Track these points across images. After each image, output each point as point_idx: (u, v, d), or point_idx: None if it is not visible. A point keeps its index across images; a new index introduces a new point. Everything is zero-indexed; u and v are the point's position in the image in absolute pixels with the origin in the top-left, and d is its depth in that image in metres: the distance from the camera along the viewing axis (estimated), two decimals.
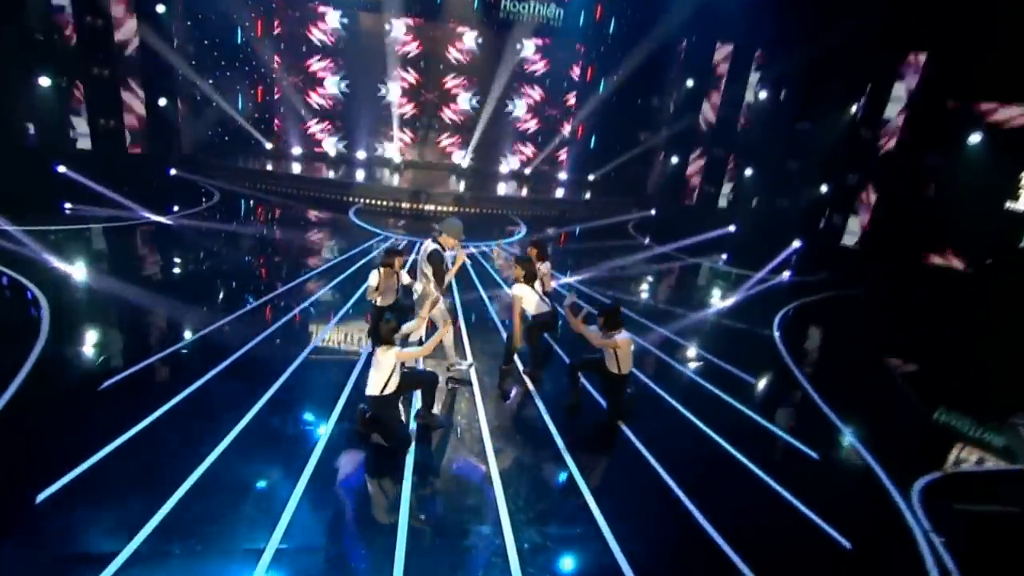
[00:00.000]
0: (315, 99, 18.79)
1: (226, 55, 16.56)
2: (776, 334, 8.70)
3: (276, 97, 18.28)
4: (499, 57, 19.09)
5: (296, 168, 17.20)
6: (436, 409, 5.12)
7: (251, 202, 13.97)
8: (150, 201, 11.62)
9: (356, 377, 5.65)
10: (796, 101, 14.36)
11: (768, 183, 15.26)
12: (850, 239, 13.25)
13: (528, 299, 5.78)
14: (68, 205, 10.82)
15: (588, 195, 19.36)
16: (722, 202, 16.74)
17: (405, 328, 4.88)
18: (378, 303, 5.99)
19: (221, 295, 7.88)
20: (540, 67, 20.28)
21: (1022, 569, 4.36)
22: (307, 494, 4.02)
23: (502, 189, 18.68)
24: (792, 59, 13.55)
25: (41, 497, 3.70)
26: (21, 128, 11.24)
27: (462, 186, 17.84)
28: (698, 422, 5.66)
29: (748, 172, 15.72)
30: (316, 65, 18.43)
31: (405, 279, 6.12)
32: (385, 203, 15.31)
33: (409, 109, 19.72)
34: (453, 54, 19.46)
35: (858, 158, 12.86)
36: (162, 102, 13.39)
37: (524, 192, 18.72)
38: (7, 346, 5.59)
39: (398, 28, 18.57)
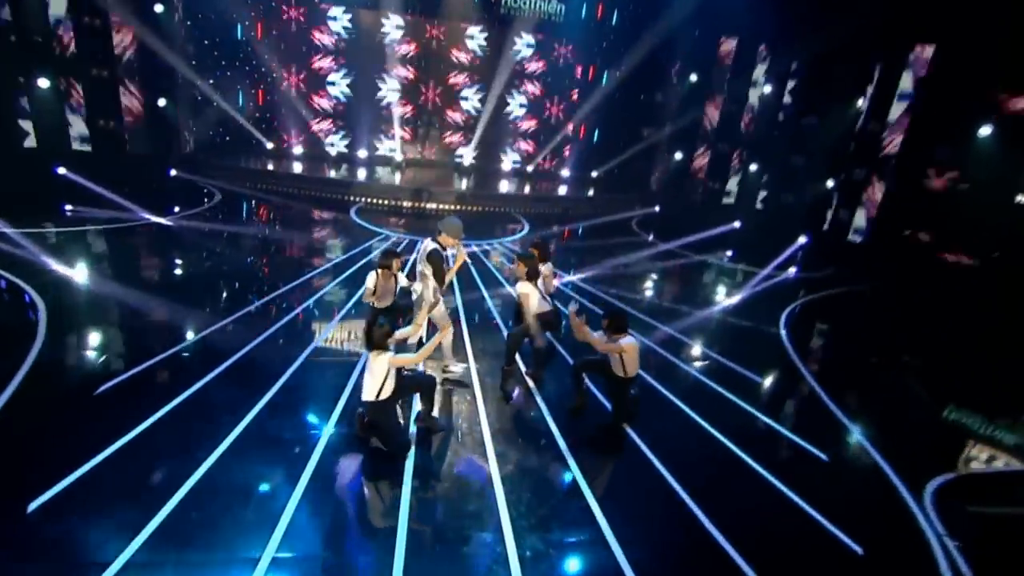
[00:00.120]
0: (316, 98, 18.69)
1: (227, 55, 16.49)
2: (783, 332, 8.56)
3: (277, 97, 18.18)
4: (500, 54, 18.96)
5: (297, 167, 17.13)
6: (436, 412, 5.03)
7: (252, 202, 13.91)
8: (150, 202, 11.57)
9: (356, 379, 5.56)
10: (801, 95, 14.19)
11: (773, 178, 15.11)
12: (856, 235, 13.05)
13: (532, 296, 5.69)
14: (68, 207, 10.78)
15: (591, 192, 19.23)
16: (726, 198, 16.58)
17: (399, 334, 4.75)
18: (375, 305, 5.91)
19: (220, 297, 7.80)
20: (541, 64, 20.13)
21: None
22: (305, 500, 3.94)
23: (504, 187, 18.55)
24: (797, 52, 13.39)
25: (32, 506, 3.62)
26: (20, 130, 11.19)
27: (464, 184, 17.73)
28: (704, 423, 5.55)
29: (753, 168, 15.56)
30: (317, 64, 18.34)
31: (403, 281, 6.03)
32: (386, 202, 15.23)
33: (409, 108, 19.62)
34: (453, 52, 19.33)
35: (865, 152, 12.67)
36: (161, 102, 13.31)
37: (527, 190, 18.60)
38: (3, 350, 5.53)
39: (399, 27, 18.46)
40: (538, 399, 5.71)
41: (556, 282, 7.02)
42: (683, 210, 16.68)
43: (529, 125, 20.81)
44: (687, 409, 5.79)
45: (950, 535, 4.35)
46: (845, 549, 4.07)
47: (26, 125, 11.38)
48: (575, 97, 20.53)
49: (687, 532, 4.09)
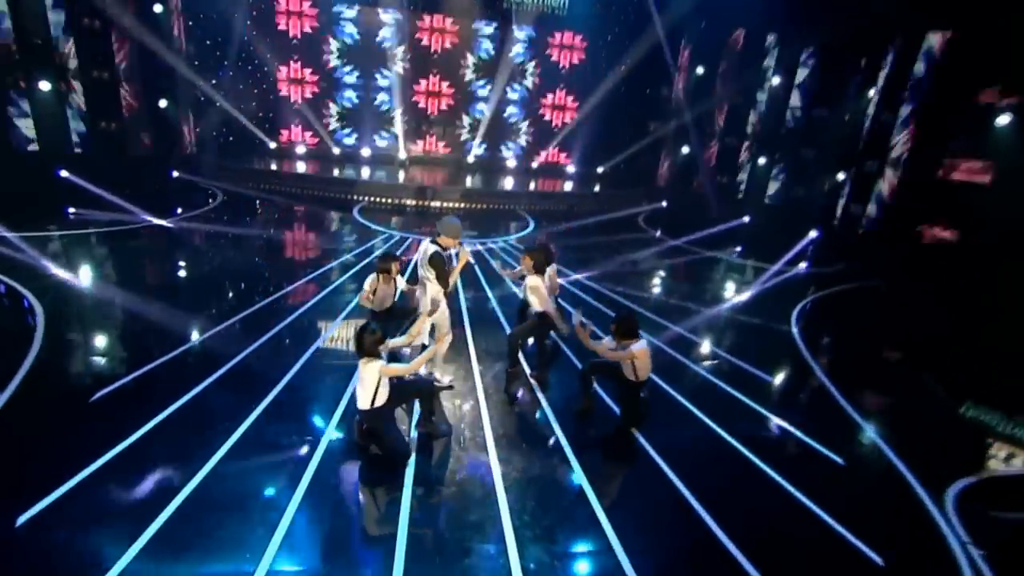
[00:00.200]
0: (319, 98, 18.60)
1: (229, 54, 16.42)
2: (794, 329, 8.35)
3: (280, 96, 18.11)
4: (503, 50, 18.78)
5: (301, 167, 17.06)
6: (437, 416, 4.89)
7: (254, 203, 13.82)
8: (152, 204, 11.52)
9: (356, 383, 5.43)
10: (812, 86, 13.89)
11: (783, 172, 14.83)
12: (869, 228, 12.74)
13: (541, 288, 5.55)
14: (71, 210, 10.75)
15: (597, 188, 19.02)
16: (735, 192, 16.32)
17: (393, 343, 4.59)
18: (373, 309, 5.77)
19: (220, 300, 7.70)
20: (547, 58, 19.93)
21: None
22: (303, 510, 3.83)
23: (509, 184, 18.38)
24: (807, 42, 13.09)
25: (22, 519, 3.53)
26: (21, 132, 11.17)
27: (468, 181, 17.58)
28: (714, 425, 5.38)
29: (762, 161, 15.28)
30: (320, 63, 18.23)
31: (402, 284, 5.90)
32: (390, 201, 15.11)
33: (416, 106, 19.49)
34: (456, 47, 19.16)
35: (877, 144, 12.35)
36: (163, 103, 13.26)
37: (532, 186, 18.41)
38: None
39: (402, 25, 18.32)
40: (543, 402, 5.56)
41: (560, 281, 6.86)
42: (691, 205, 16.41)
43: (534, 120, 20.61)
44: (696, 411, 5.62)
45: (974, 543, 4.17)
46: (864, 558, 3.90)
47: (28, 127, 11.33)
48: (579, 92, 20.30)
49: (697, 541, 3.93)
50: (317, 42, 17.99)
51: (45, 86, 11.21)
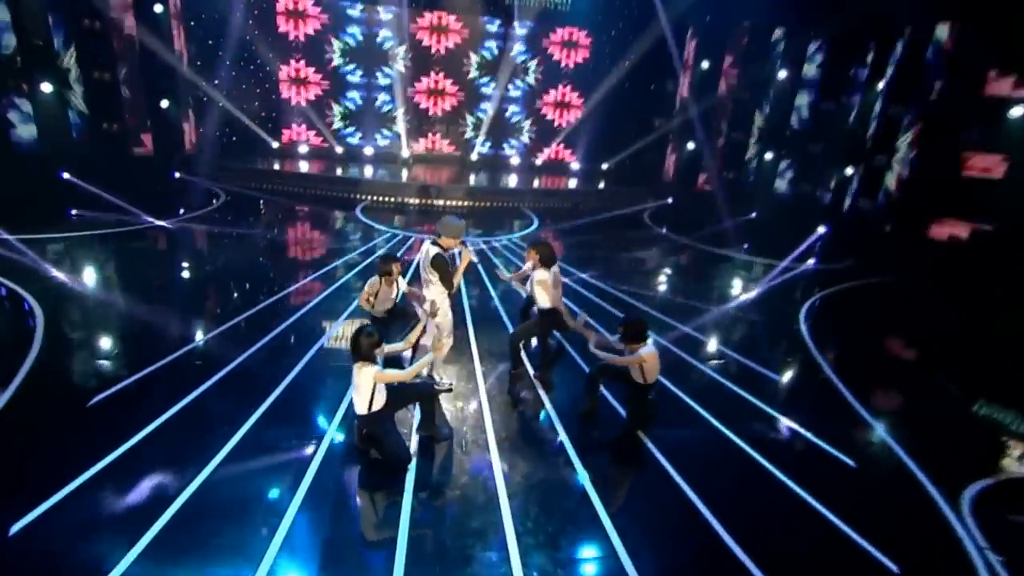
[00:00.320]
0: (322, 97, 18.53)
1: (230, 54, 16.37)
2: (803, 327, 8.20)
3: (282, 96, 18.06)
4: (505, 47, 18.64)
5: (304, 166, 17.01)
6: (439, 419, 4.80)
7: (256, 203, 13.78)
8: (154, 205, 11.49)
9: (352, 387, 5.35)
10: (819, 81, 13.68)
11: (790, 167, 14.63)
12: (879, 223, 12.51)
13: (549, 282, 5.46)
14: (74, 211, 10.73)
15: (602, 185, 18.85)
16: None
17: (390, 348, 4.47)
18: (374, 311, 5.69)
19: (221, 301, 7.65)
20: (550, 56, 19.77)
21: None
22: (301, 516, 3.75)
23: (513, 181, 18.25)
24: (815, 34, 12.88)
25: (18, 525, 3.47)
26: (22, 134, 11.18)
27: (472, 180, 17.47)
28: (721, 427, 5.26)
29: (769, 156, 15.08)
30: (323, 62, 18.16)
31: (404, 286, 5.81)
32: (394, 199, 15.03)
33: (418, 105, 19.39)
34: (459, 45, 19.04)
35: (886, 138, 12.13)
36: (164, 104, 13.22)
37: (536, 184, 18.27)
38: None
39: (403, 23, 18.21)
40: (547, 403, 5.46)
41: (564, 279, 6.77)
42: (696, 202, 16.22)
43: (539, 118, 20.46)
44: (703, 412, 5.50)
45: (991, 547, 4.04)
46: (877, 564, 3.78)
47: (29, 129, 11.32)
48: (583, 89, 20.14)
49: (705, 546, 3.83)
50: (319, 41, 17.91)
51: (47, 88, 11.19)
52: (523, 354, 5.95)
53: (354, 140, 19.12)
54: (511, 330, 6.99)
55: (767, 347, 7.48)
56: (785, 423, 5.50)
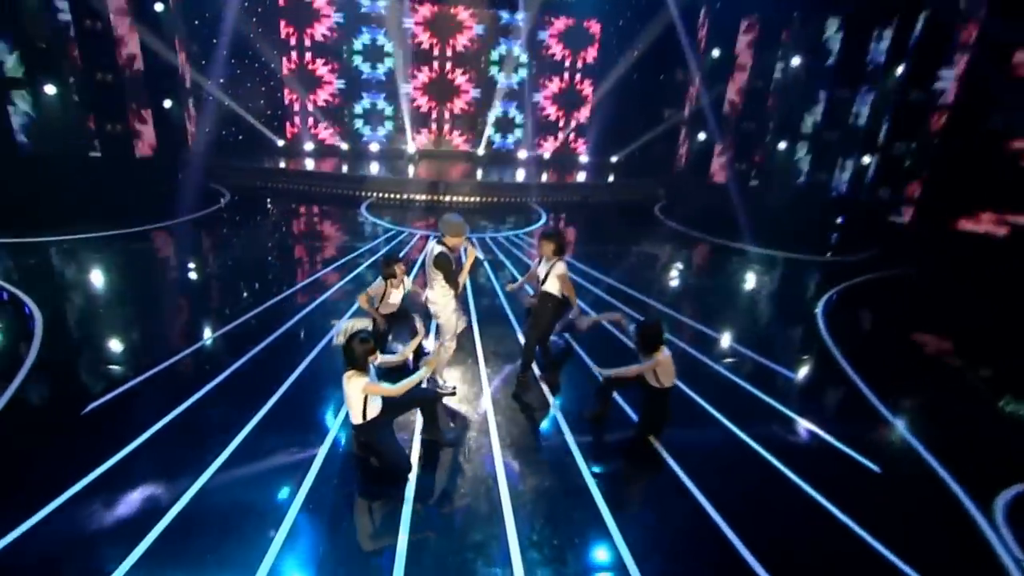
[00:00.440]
0: (328, 94, 18.40)
1: (235, 53, 16.27)
2: (820, 322, 7.91)
3: (287, 94, 17.95)
4: (509, 39, 18.38)
5: (309, 164, 16.91)
6: (441, 423, 4.63)
7: (261, 203, 13.69)
8: (157, 206, 11.42)
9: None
10: (834, 65, 13.25)
11: (806, 156, 14.23)
12: (898, 214, 12.10)
13: (565, 279, 5.27)
14: (82, 214, 10.68)
15: (611, 178, 18.54)
16: (752, 179, 15.71)
17: (385, 359, 4.27)
18: (378, 311, 5.52)
19: (224, 303, 7.54)
20: (556, 51, 19.48)
21: None
22: (296, 526, 3.61)
23: (520, 176, 18.01)
24: (831, 14, 12.43)
25: (8, 539, 3.37)
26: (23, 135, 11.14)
27: (479, 174, 17.26)
28: (736, 429, 5.03)
29: (782, 146, 14.67)
30: (328, 58, 18.03)
31: (409, 285, 5.64)
32: (401, 196, 14.87)
33: (424, 103, 19.20)
34: (463, 42, 18.80)
35: (907, 124, 11.68)
36: (167, 104, 13.13)
37: (544, 178, 18.01)
38: None
39: (408, 20, 18.01)
40: (554, 407, 5.26)
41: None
42: (708, 193, 15.85)
43: (547, 113, 20.18)
44: (716, 414, 5.27)
45: None
46: None
47: (32, 131, 11.29)
48: (591, 80, 19.81)
49: (719, 559, 3.62)
50: (323, 37, 17.76)
51: (50, 90, 11.15)
52: (532, 360, 5.74)
53: (360, 137, 18.98)
54: (518, 330, 6.82)
55: (782, 343, 7.21)
56: (803, 425, 5.25)
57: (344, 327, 5.28)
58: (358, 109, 18.69)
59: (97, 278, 7.97)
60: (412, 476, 4.11)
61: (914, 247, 11.22)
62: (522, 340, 6.21)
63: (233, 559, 3.35)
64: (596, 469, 4.39)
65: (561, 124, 20.38)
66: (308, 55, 17.80)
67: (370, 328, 5.34)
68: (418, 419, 4.74)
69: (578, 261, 9.67)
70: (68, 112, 11.56)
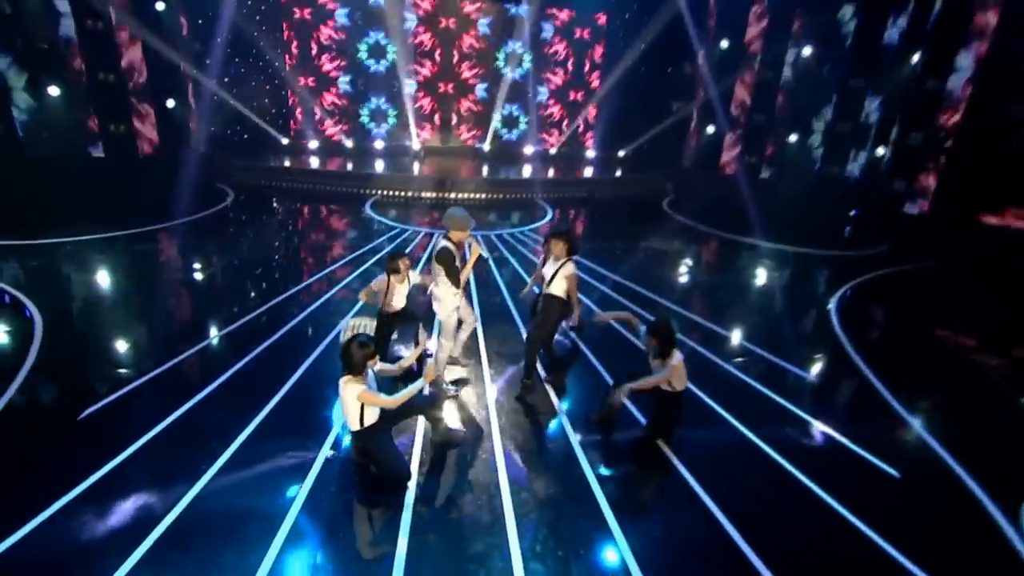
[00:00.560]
0: (332, 91, 18.32)
1: (239, 52, 16.22)
2: (834, 319, 7.69)
3: (291, 91, 17.89)
4: (514, 34, 18.20)
5: (314, 163, 16.84)
6: (446, 423, 4.50)
7: (264, 202, 13.63)
8: (160, 206, 11.37)
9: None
10: (847, 54, 12.93)
11: (818, 147, 13.92)
12: (914, 204, 11.76)
13: (574, 281, 5.12)
14: (84, 215, 10.67)
15: (619, 172, 18.31)
16: (764, 172, 15.41)
17: (382, 367, 4.13)
18: (383, 309, 5.39)
19: (225, 303, 7.44)
20: (560, 47, 19.28)
21: None
22: (293, 535, 3.50)
23: (527, 171, 17.84)
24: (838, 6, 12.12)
25: (8, 542, 3.30)
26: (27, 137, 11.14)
27: (484, 171, 17.10)
28: (748, 432, 4.85)
29: (794, 138, 14.37)
30: (330, 62, 17.94)
31: (416, 278, 5.51)
32: (407, 194, 14.76)
33: (427, 102, 19.08)
34: (467, 40, 18.64)
35: (924, 113, 11.35)
36: (170, 103, 13.09)
37: (551, 173, 17.82)
38: None
39: (411, 18, 17.88)
40: (559, 410, 5.10)
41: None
42: (717, 187, 15.58)
43: (552, 110, 19.99)
44: (728, 416, 5.09)
45: None
46: None
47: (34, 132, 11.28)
48: (599, 73, 19.57)
49: (731, 570, 3.46)
50: (326, 39, 17.67)
51: (53, 91, 11.13)
52: (536, 362, 5.59)
53: (365, 134, 18.88)
54: (522, 329, 6.66)
55: (795, 342, 7.00)
56: (818, 427, 5.06)
57: (351, 323, 5.18)
58: (364, 111, 18.60)
59: (99, 280, 7.92)
60: (412, 484, 3.98)
61: (931, 239, 10.91)
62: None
63: (231, 566, 3.26)
64: (602, 474, 4.24)
65: (567, 119, 20.18)
66: (314, 49, 17.73)
67: (373, 329, 5.23)
68: (419, 423, 4.62)
69: (584, 258, 9.49)
70: (70, 112, 11.53)
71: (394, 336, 5.83)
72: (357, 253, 9.57)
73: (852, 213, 13.03)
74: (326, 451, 4.30)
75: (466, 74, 19.06)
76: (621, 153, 19.71)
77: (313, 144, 18.25)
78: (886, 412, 5.44)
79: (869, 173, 12.75)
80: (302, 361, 5.67)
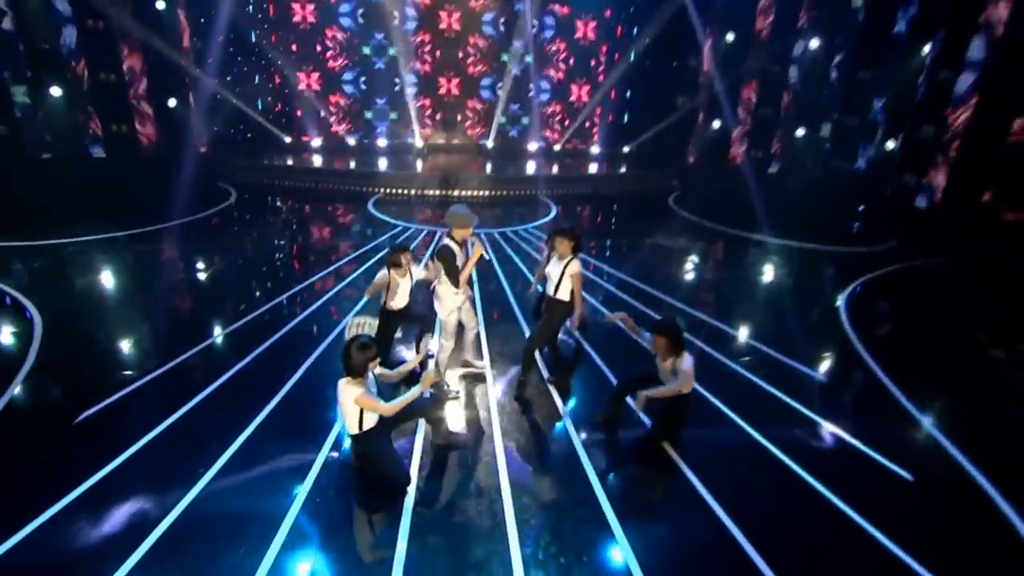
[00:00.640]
0: (334, 89, 18.28)
1: (241, 51, 16.18)
2: (844, 317, 7.55)
3: (294, 90, 17.85)
4: (516, 30, 18.10)
5: (317, 161, 16.80)
6: (447, 425, 4.42)
7: (267, 201, 13.60)
8: (163, 207, 11.35)
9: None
10: (855, 47, 12.72)
11: (826, 142, 13.73)
12: (923, 198, 11.57)
13: (578, 279, 4.99)
14: (85, 215, 10.66)
15: (624, 168, 18.17)
16: (771, 167, 15.24)
17: (382, 372, 4.06)
18: (386, 306, 5.30)
19: (225, 304, 7.40)
20: (561, 43, 19.16)
21: None
22: (292, 539, 3.44)
23: (531, 168, 17.73)
24: None
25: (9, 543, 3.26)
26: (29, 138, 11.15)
27: (488, 168, 17.02)
28: (755, 434, 4.75)
29: (801, 132, 14.18)
30: (334, 60, 17.88)
31: (419, 273, 5.42)
32: (410, 191, 14.69)
33: (428, 100, 19.01)
34: (471, 38, 18.55)
35: (933, 106, 11.14)
36: (172, 103, 13.07)
37: (555, 170, 17.71)
38: None
39: (413, 16, 17.81)
40: (562, 412, 5.01)
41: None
42: (723, 183, 15.41)
43: (555, 108, 19.88)
44: (735, 417, 4.99)
45: None
46: None
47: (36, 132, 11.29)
48: (601, 70, 19.42)
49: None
50: (325, 31, 17.61)
51: (55, 91, 11.12)
52: (539, 359, 5.50)
53: (367, 132, 18.84)
54: (525, 329, 6.58)
55: (803, 340, 6.87)
56: (827, 427, 4.95)
57: (354, 322, 5.11)
58: (368, 112, 18.55)
59: (100, 280, 7.90)
60: (411, 488, 3.90)
61: (941, 233, 10.72)
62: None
63: (230, 568, 3.23)
64: (606, 477, 4.15)
65: (570, 117, 20.05)
66: (318, 47, 17.68)
67: (375, 328, 5.16)
68: (419, 427, 4.55)
69: (589, 255, 9.39)
70: (72, 113, 11.53)
71: (398, 335, 5.76)
72: (359, 252, 9.51)
73: (860, 209, 12.85)
74: (326, 453, 4.24)
75: (471, 71, 18.96)
76: (626, 149, 19.56)
77: (316, 142, 18.20)
78: (897, 412, 5.31)
79: (878, 163, 12.53)
80: (303, 361, 5.62)
